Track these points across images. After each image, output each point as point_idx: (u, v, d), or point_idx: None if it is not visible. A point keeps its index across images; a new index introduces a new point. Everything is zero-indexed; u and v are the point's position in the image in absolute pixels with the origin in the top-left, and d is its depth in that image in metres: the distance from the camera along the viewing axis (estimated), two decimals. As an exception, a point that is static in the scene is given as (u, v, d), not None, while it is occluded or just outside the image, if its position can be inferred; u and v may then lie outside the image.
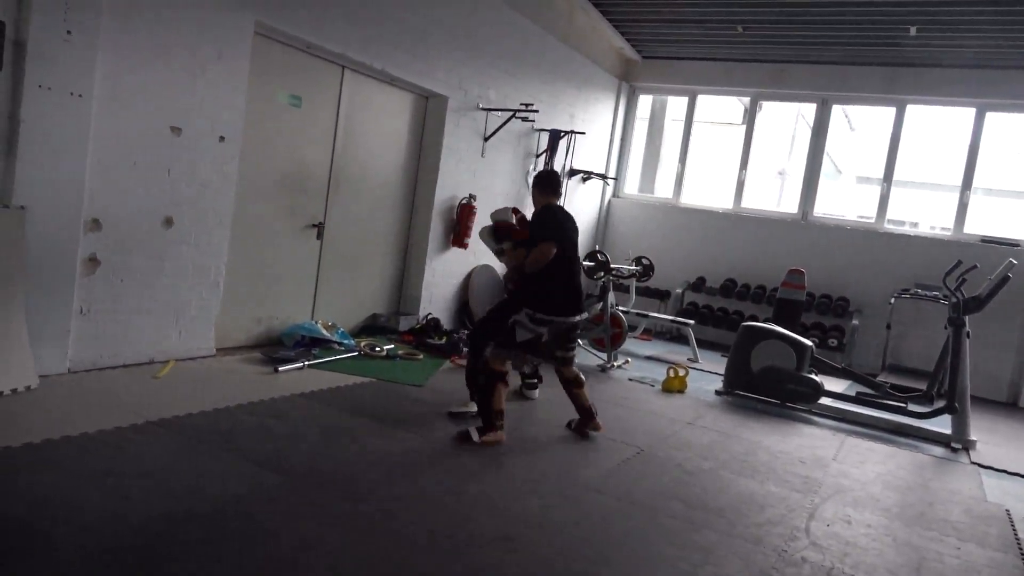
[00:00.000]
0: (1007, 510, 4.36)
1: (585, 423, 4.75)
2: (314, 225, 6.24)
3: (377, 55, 6.23)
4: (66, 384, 4.23)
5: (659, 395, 6.28)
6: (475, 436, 4.22)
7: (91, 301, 4.49)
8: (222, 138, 5.09)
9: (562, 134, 8.75)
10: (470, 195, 7.63)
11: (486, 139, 7.78)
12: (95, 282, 4.50)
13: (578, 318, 4.53)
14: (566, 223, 4.52)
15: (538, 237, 4.38)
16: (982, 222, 9.14)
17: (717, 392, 6.62)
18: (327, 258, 6.44)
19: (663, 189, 11.04)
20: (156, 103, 4.64)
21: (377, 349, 6.13)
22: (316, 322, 6.14)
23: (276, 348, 5.69)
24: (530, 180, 8.65)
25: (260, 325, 5.92)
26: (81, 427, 3.58)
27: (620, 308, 7.85)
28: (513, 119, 7.88)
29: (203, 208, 5.07)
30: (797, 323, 8.16)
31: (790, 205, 10.27)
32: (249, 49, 5.19)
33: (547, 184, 4.65)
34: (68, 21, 4.05)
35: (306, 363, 5.40)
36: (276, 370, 5.16)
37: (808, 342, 6.43)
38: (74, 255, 4.33)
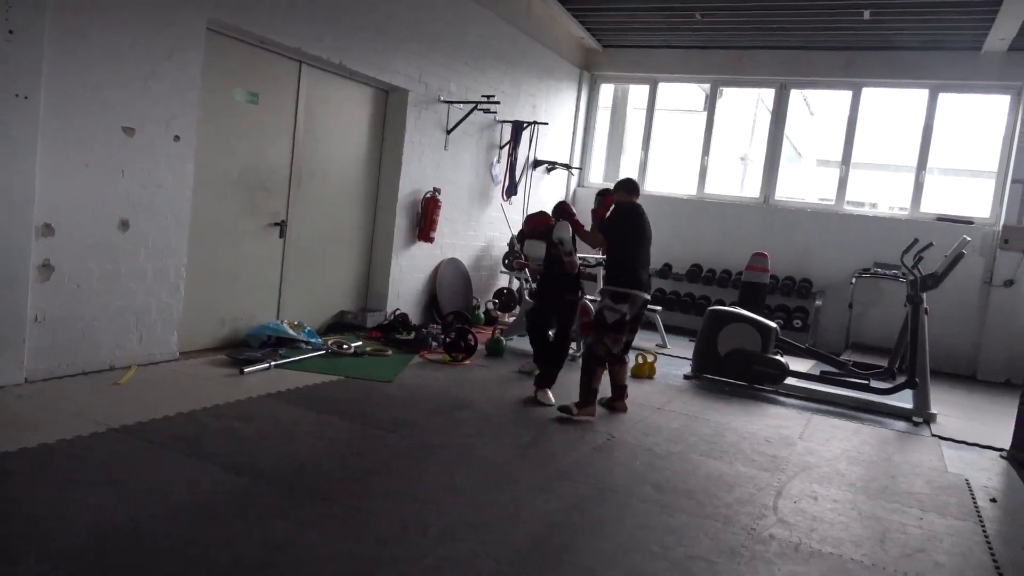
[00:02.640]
0: (967, 480, 4.48)
1: (618, 398, 5.29)
2: (276, 223, 6.16)
3: (334, 49, 6.16)
4: (23, 394, 4.13)
5: (629, 381, 6.31)
6: (574, 410, 4.85)
7: (46, 308, 4.38)
8: (177, 138, 4.99)
9: (525, 125, 8.75)
10: (434, 189, 7.59)
11: (448, 132, 7.75)
12: (49, 289, 4.39)
13: (648, 295, 5.18)
14: (633, 220, 5.18)
15: (600, 229, 5.24)
16: (937, 201, 9.35)
17: (686, 376, 6.69)
18: (291, 256, 6.37)
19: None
20: (107, 104, 4.53)
21: (345, 347, 6.08)
22: (282, 321, 6.07)
23: (241, 349, 5.61)
24: (495, 172, 8.64)
25: (224, 327, 5.83)
26: (40, 438, 3.49)
27: (588, 297, 7.88)
28: (475, 111, 7.85)
29: (160, 209, 4.97)
30: (762, 306, 8.28)
31: (752, 190, 10.40)
32: (202, 46, 5.09)
33: (634, 188, 5.37)
34: (10, 20, 3.93)
35: (273, 363, 5.34)
36: (242, 372, 5.09)
37: (773, 324, 6.53)
38: (26, 261, 4.22)
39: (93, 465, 3.31)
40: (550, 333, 5.71)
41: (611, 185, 5.62)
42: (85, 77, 4.38)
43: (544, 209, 6.44)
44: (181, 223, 5.14)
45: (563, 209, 5.72)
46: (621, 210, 5.19)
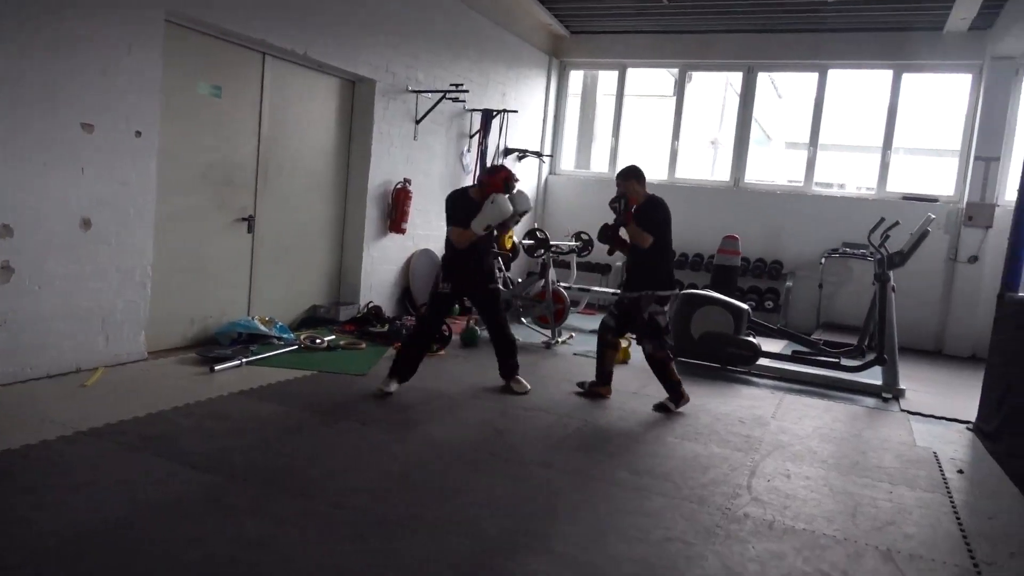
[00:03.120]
0: (935, 452, 4.57)
1: (604, 383, 5.32)
2: (244, 218, 6.08)
3: (298, 40, 6.07)
4: (-13, 399, 4.04)
5: (604, 367, 6.35)
6: (672, 407, 5.05)
7: (7, 311, 4.29)
8: (138, 133, 4.90)
9: (495, 113, 8.71)
10: (405, 179, 7.54)
11: (418, 122, 7.69)
12: (10, 291, 4.29)
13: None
14: (668, 215, 5.07)
15: (651, 228, 4.94)
16: (903, 180, 9.48)
17: (660, 360, 6.73)
18: (260, 251, 6.29)
19: (599, 164, 11.11)
20: (64, 100, 4.43)
21: (318, 341, 6.03)
22: (253, 318, 6.00)
23: (212, 347, 5.54)
24: (466, 161, 8.59)
25: (194, 325, 5.75)
26: (4, 443, 3.42)
27: (562, 284, 7.90)
28: (444, 100, 7.80)
29: (123, 207, 4.88)
30: (734, 288, 8.35)
31: (723, 173, 10.46)
32: (161, 39, 4.99)
33: (643, 177, 5.11)
34: (-42, 16, 3.82)
35: (244, 360, 5.28)
36: (212, 369, 5.03)
37: (745, 306, 6.58)
38: (-15, 264, 4.13)
39: (62, 469, 3.25)
40: (479, 331, 5.49)
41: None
42: (39, 73, 4.27)
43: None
44: (146, 221, 5.05)
45: (509, 179, 5.05)
46: (660, 205, 5.01)
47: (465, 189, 5.15)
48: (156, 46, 4.95)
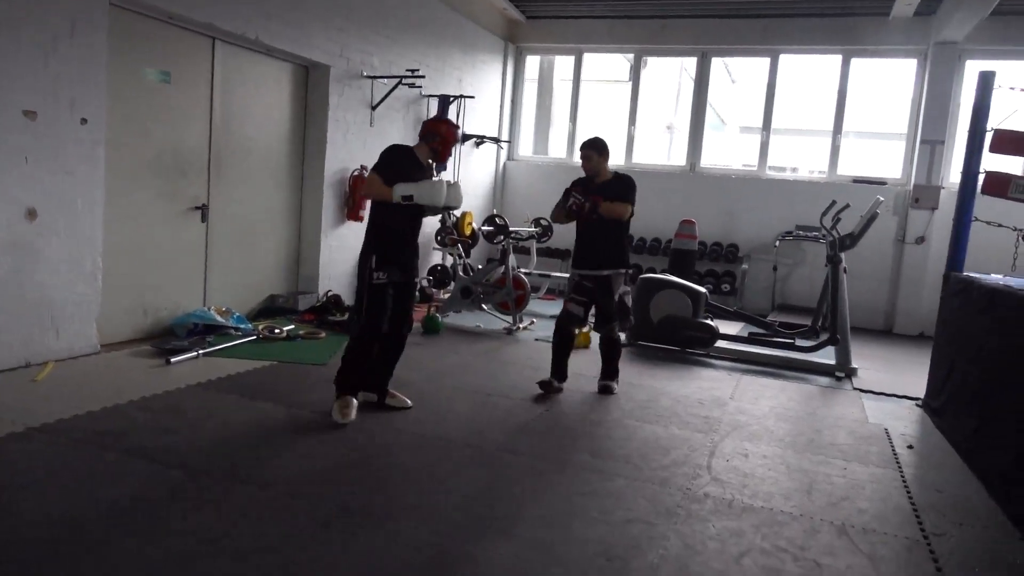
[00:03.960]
0: (886, 429, 4.72)
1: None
2: (197, 207, 5.95)
3: (248, 24, 5.93)
4: (-70, 397, 3.90)
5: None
6: (616, 387, 5.14)
7: (-50, 306, 4.14)
8: (84, 120, 4.74)
9: (451, 99, 8.64)
10: (362, 167, 7.44)
11: (374, 108, 7.59)
12: (-48, 285, 4.14)
13: None
14: None
15: (631, 201, 4.84)
16: (853, 164, 9.70)
17: (620, 344, 6.80)
18: (215, 241, 6.17)
19: (556, 149, 11.13)
20: (4, 85, 4.26)
21: (276, 331, 5.95)
22: (209, 308, 5.89)
23: (167, 339, 5.43)
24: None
25: (147, 316, 5.62)
26: (-50, 442, 3.31)
27: (522, 270, 7.92)
28: (400, 86, 7.71)
29: (70, 196, 4.73)
30: (691, 271, 8.47)
31: (679, 158, 10.57)
32: (106, 22, 4.83)
33: (607, 150, 4.89)
34: None
35: (200, 352, 5.18)
36: (168, 362, 4.93)
37: (702, 289, 6.69)
38: (-76, 257, 3.97)
39: (11, 467, 3.15)
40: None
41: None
42: (-23, 58, 4.11)
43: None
44: (95, 210, 4.91)
45: (450, 136, 4.35)
46: (631, 180, 4.88)
47: (411, 148, 4.32)
48: (101, 29, 4.78)
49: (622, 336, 5.05)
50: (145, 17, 5.28)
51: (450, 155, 4.51)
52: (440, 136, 4.27)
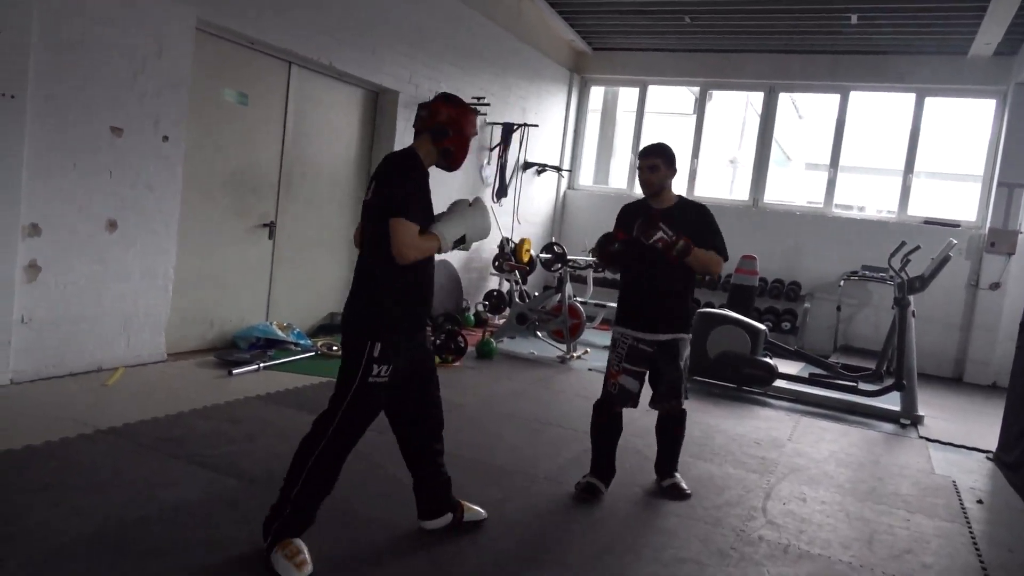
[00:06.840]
0: (953, 481, 4.51)
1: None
2: (265, 224, 6.14)
3: (324, 50, 6.14)
4: (9, 396, 4.09)
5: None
6: (685, 486, 3.80)
7: (33, 309, 4.35)
8: (166, 138, 4.97)
9: (515, 127, 8.75)
10: (424, 190, 7.56)
11: (439, 133, 7.72)
12: (36, 290, 4.35)
13: None
14: None
15: (720, 245, 3.69)
16: (924, 204, 9.42)
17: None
18: (280, 257, 6.34)
19: (617, 180, 11.13)
20: (95, 103, 4.51)
21: (335, 348, 6.05)
22: (271, 323, 6.04)
23: (230, 351, 5.58)
24: (485, 174, 8.61)
25: (213, 328, 5.80)
26: (25, 439, 3.46)
27: (578, 299, 7.90)
28: (465, 113, 7.83)
29: (148, 210, 4.94)
30: (751, 308, 8.30)
31: (742, 192, 10.44)
32: (191, 45, 5.07)
33: (675, 161, 3.72)
34: (-3, 19, 3.91)
35: (261, 365, 5.31)
36: (230, 373, 5.07)
37: (762, 326, 6.55)
38: (12, 262, 4.19)
39: (79, 467, 3.28)
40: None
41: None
42: (71, 75, 4.35)
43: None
44: (170, 224, 5.11)
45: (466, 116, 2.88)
46: (710, 218, 3.76)
47: (417, 157, 2.86)
48: (186, 52, 5.03)
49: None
50: (228, 42, 5.53)
51: (466, 156, 2.97)
52: (454, 129, 2.80)
